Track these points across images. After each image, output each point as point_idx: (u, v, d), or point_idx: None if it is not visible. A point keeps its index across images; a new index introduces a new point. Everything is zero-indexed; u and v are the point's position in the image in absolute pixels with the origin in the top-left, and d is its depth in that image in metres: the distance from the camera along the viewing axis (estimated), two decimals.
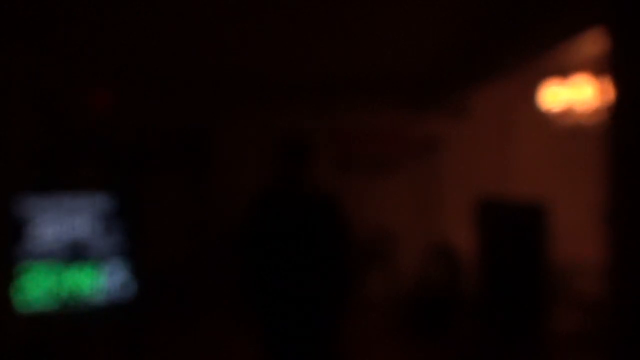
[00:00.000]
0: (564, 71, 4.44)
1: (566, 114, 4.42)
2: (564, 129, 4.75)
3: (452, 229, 5.74)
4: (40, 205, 3.25)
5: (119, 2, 3.22)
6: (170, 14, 3.47)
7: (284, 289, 2.69)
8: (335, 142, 6.22)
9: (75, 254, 3.30)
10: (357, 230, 2.84)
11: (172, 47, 4.32)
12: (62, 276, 3.27)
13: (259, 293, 2.73)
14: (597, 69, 4.10)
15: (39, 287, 3.23)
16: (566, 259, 4.24)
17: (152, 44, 4.22)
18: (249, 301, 2.77)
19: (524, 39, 3.64)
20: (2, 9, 3.26)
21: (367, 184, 6.15)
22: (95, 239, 3.34)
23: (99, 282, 3.33)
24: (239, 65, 5.01)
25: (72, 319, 3.37)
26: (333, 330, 2.77)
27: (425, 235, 5.96)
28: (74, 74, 4.64)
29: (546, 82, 4.57)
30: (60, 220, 3.28)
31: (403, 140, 6.21)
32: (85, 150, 4.28)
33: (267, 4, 3.30)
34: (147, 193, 4.26)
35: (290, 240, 2.68)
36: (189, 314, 5.34)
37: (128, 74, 5.20)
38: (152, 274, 4.10)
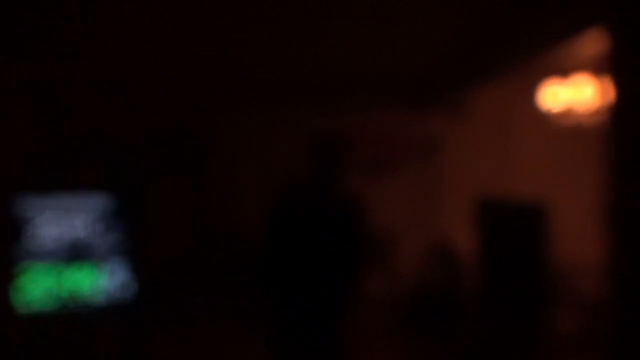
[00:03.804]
0: (564, 71, 4.44)
1: (566, 114, 4.42)
2: (564, 129, 4.75)
3: (452, 229, 5.74)
4: (40, 205, 3.25)
5: (118, 2, 3.22)
6: (170, 13, 3.47)
7: (294, 285, 2.69)
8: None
9: (75, 254, 3.29)
10: (359, 231, 2.86)
11: (171, 46, 4.32)
12: (62, 276, 3.27)
13: (269, 287, 2.74)
14: (597, 69, 4.10)
15: (39, 287, 3.23)
16: (566, 259, 4.23)
17: (152, 43, 4.22)
18: (250, 300, 2.78)
19: (524, 39, 3.64)
20: (1, 9, 3.26)
21: (367, 185, 6.14)
22: (95, 239, 3.34)
23: (99, 282, 3.33)
24: (239, 65, 5.01)
25: (72, 319, 3.36)
26: (334, 328, 2.78)
27: (425, 236, 5.96)
28: (73, 74, 4.63)
29: (546, 82, 4.57)
30: (60, 220, 3.28)
31: (403, 140, 6.21)
32: (85, 150, 4.28)
33: (265, 3, 3.30)
34: (148, 193, 4.26)
35: (307, 238, 2.68)
36: (189, 313, 5.34)
37: (128, 73, 5.19)
38: (152, 273, 4.10)
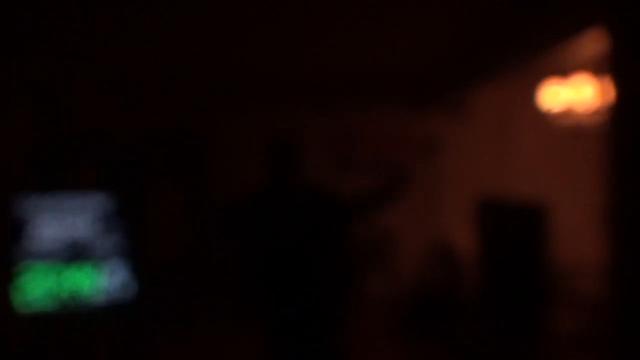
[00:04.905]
0: (564, 71, 4.44)
1: (566, 114, 4.42)
2: (564, 129, 4.75)
3: (452, 229, 5.73)
4: (40, 205, 3.25)
5: (118, 2, 3.22)
6: (170, 13, 3.47)
7: (281, 288, 2.69)
8: (335, 142, 6.22)
9: (75, 254, 3.30)
10: (357, 231, 2.85)
11: (171, 46, 4.32)
12: (62, 276, 3.27)
13: (258, 292, 2.74)
14: (597, 69, 4.10)
15: (39, 287, 3.23)
16: (566, 259, 4.23)
17: (152, 43, 4.22)
18: (249, 300, 2.78)
19: (524, 39, 3.64)
20: (1, 9, 3.26)
21: (366, 185, 6.14)
22: (95, 239, 3.34)
23: (99, 282, 3.33)
24: (239, 65, 5.01)
25: (72, 319, 3.36)
26: (334, 328, 2.77)
27: (425, 236, 5.96)
28: (74, 74, 4.63)
29: (546, 82, 4.56)
30: (60, 220, 3.28)
31: (403, 140, 6.21)
32: (85, 150, 4.28)
33: (264, 3, 3.30)
34: (148, 192, 4.26)
35: (281, 239, 2.68)
36: (189, 313, 5.34)
37: (128, 73, 5.19)
38: (152, 273, 4.10)
